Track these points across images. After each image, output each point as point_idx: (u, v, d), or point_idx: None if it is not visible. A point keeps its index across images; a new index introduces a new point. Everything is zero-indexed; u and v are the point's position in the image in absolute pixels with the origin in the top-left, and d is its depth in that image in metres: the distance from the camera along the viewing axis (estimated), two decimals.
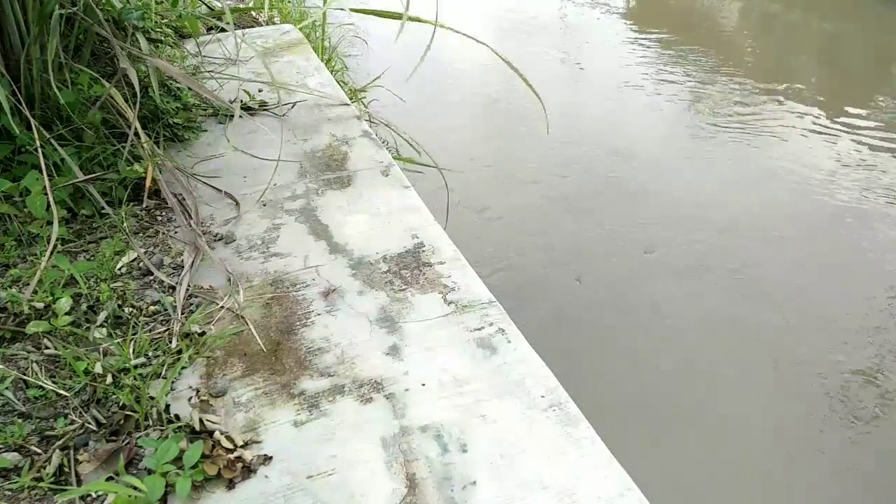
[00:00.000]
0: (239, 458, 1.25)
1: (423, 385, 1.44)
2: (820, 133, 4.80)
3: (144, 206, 2.02)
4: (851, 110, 5.18)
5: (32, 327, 1.48)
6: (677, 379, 2.78)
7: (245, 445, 1.29)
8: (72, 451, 1.26)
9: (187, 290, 1.68)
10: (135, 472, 1.23)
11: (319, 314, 1.64)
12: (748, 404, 2.67)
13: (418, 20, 2.11)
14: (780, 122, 4.95)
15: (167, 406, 1.36)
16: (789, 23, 7.55)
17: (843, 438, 2.53)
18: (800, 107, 5.18)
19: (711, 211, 3.90)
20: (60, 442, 1.27)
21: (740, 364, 2.86)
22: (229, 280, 1.74)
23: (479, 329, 1.59)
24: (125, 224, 1.90)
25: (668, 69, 5.88)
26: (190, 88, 2.51)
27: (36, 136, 1.70)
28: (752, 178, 4.26)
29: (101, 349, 1.47)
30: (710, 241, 3.63)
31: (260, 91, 2.83)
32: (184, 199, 2.05)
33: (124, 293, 1.64)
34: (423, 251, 1.87)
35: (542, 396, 1.40)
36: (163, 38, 2.94)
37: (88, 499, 1.19)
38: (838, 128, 4.87)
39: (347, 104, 2.81)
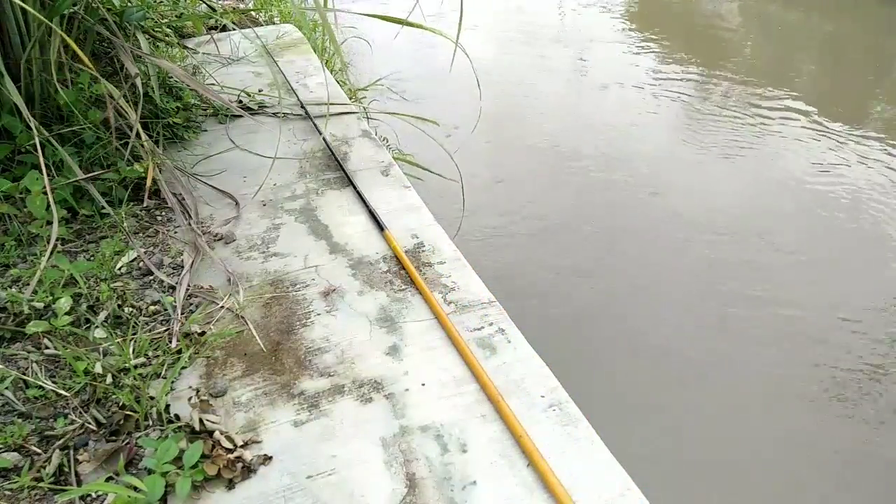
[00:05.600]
0: (239, 458, 1.25)
1: (423, 385, 1.44)
2: (820, 133, 4.79)
3: (144, 205, 2.02)
4: (851, 110, 5.18)
5: (32, 327, 1.47)
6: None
7: (245, 445, 1.29)
8: (72, 451, 1.26)
9: (187, 289, 1.68)
10: (135, 472, 1.23)
11: (319, 314, 1.64)
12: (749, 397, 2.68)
13: (411, 24, 2.11)
14: (780, 122, 4.95)
15: (167, 406, 1.36)
16: (788, 23, 7.54)
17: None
18: (799, 107, 5.17)
19: (711, 211, 3.89)
20: (60, 442, 1.27)
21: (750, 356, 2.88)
22: (229, 280, 1.74)
23: (479, 329, 1.59)
24: (125, 224, 1.91)
25: (668, 70, 5.88)
26: (190, 88, 2.51)
27: (36, 135, 1.69)
28: (752, 177, 4.26)
29: (101, 349, 1.47)
30: (710, 241, 3.63)
31: (260, 91, 2.83)
32: (184, 198, 2.05)
33: (124, 293, 1.64)
34: (423, 251, 1.87)
35: (542, 396, 1.40)
36: (163, 38, 2.94)
37: (88, 499, 1.19)
38: (838, 127, 4.87)
39: (347, 104, 2.81)
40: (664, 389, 2.70)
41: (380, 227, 1.96)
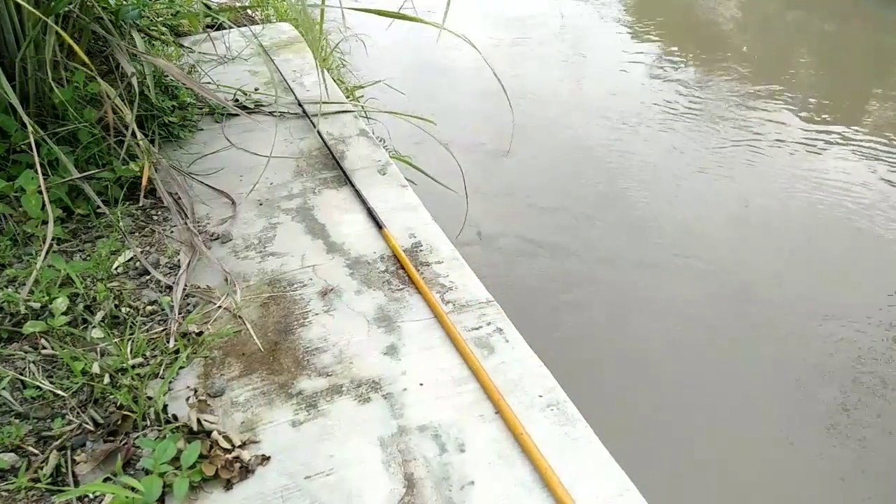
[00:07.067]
0: (237, 459, 1.25)
1: (421, 385, 1.44)
2: (818, 133, 4.80)
3: (140, 205, 2.01)
4: (850, 111, 5.20)
5: (29, 327, 1.47)
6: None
7: (243, 445, 1.29)
8: (69, 452, 1.26)
9: (184, 289, 1.68)
10: (132, 472, 1.23)
11: (317, 314, 1.64)
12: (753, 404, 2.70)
13: (406, 17, 2.11)
14: (779, 123, 4.95)
15: (165, 406, 1.36)
16: (788, 23, 7.55)
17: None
18: (798, 107, 5.19)
19: (709, 210, 3.90)
20: (58, 442, 1.27)
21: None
22: (226, 280, 1.74)
23: (476, 328, 1.59)
24: (121, 223, 1.90)
25: (667, 70, 5.88)
26: (186, 87, 2.50)
27: (31, 134, 1.69)
28: (750, 178, 4.26)
29: (98, 349, 1.47)
30: (709, 243, 3.64)
31: (256, 90, 2.82)
32: (180, 198, 2.05)
33: (121, 293, 1.64)
34: (421, 251, 1.87)
35: (540, 396, 1.40)
36: (159, 37, 2.93)
37: (86, 499, 1.19)
38: (836, 127, 4.88)
39: (344, 102, 2.80)
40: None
41: (378, 225, 1.96)
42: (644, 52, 6.28)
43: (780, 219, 3.86)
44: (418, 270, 1.78)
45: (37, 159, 1.68)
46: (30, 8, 1.72)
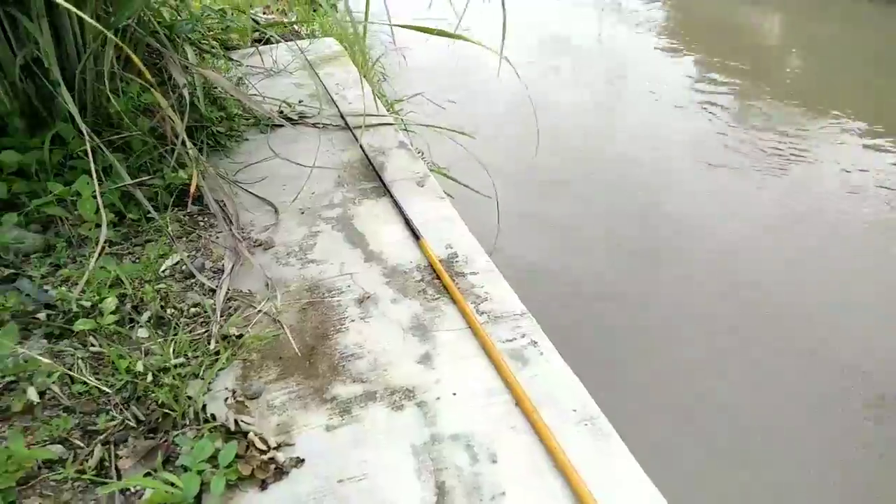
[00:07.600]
0: (272, 460, 1.27)
1: (455, 394, 1.44)
2: (862, 151, 4.67)
3: (188, 211, 2.08)
4: (892, 127, 5.02)
5: (80, 325, 1.53)
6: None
7: (278, 447, 1.31)
8: (112, 446, 1.30)
9: (227, 293, 1.72)
10: (172, 469, 1.26)
11: (354, 321, 1.66)
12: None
13: (449, 35, 2.15)
14: (822, 140, 4.84)
15: (204, 406, 1.39)
16: (829, 39, 7.37)
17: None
18: (841, 126, 5.05)
19: (750, 231, 3.82)
20: (102, 437, 1.31)
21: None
22: (267, 285, 1.78)
23: (511, 340, 1.59)
24: (169, 228, 1.96)
25: (707, 88, 5.80)
26: (234, 98, 2.59)
27: (87, 142, 1.77)
28: (792, 198, 4.16)
29: (143, 348, 1.52)
30: (748, 262, 3.55)
31: (300, 102, 2.90)
32: (225, 205, 2.11)
33: (167, 295, 1.69)
34: (457, 261, 1.88)
35: (574, 410, 1.39)
36: (209, 50, 3.04)
37: (127, 493, 1.22)
38: (881, 146, 4.73)
39: (385, 115, 2.85)
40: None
41: (415, 235, 1.98)
42: (707, 85, 6.03)
43: (823, 237, 3.73)
44: (454, 281, 1.79)
45: (92, 166, 1.76)
46: (92, 22, 1.81)
